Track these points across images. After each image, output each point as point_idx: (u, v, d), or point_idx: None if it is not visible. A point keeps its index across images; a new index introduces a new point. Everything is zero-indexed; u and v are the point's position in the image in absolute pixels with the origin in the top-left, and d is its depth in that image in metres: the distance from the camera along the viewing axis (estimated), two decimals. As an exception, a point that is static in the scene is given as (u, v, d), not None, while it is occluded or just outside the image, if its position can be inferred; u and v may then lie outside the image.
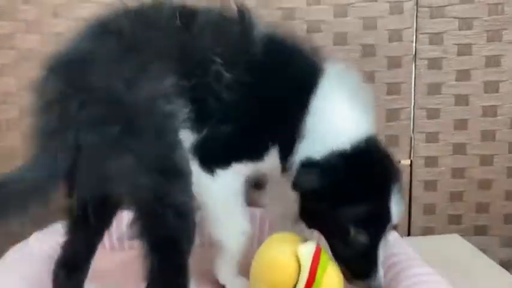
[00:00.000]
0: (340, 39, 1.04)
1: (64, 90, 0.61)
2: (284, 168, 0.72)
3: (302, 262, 0.63)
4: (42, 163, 0.60)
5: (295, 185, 0.67)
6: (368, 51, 1.05)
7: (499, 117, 1.07)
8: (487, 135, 1.07)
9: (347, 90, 0.72)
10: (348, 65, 0.76)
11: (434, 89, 1.06)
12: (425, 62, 1.05)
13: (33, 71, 0.66)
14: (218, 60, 0.68)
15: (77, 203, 0.63)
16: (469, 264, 0.94)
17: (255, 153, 0.73)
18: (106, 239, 0.88)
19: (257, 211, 0.92)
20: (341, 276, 0.68)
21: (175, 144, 0.64)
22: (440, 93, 1.06)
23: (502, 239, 1.10)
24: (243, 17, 0.72)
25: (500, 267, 0.93)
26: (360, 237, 0.66)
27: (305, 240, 0.69)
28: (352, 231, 0.66)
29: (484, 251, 1.01)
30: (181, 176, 0.64)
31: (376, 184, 0.67)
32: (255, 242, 0.79)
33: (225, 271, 0.78)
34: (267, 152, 0.73)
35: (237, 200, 0.75)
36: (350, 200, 0.65)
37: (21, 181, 0.59)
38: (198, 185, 0.67)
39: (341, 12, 1.03)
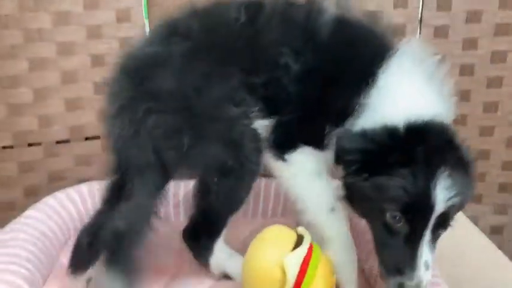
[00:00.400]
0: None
1: (133, 95, 0.70)
2: None
3: (288, 273, 0.64)
4: None
5: (337, 152, 0.66)
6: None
7: (503, 88, 1.05)
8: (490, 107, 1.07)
9: (418, 71, 0.69)
10: (425, 45, 0.72)
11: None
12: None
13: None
14: (286, 51, 0.69)
15: None
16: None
17: (320, 139, 0.71)
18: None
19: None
20: (331, 281, 0.68)
21: (243, 143, 0.71)
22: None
23: (495, 206, 1.13)
24: (311, 2, 0.73)
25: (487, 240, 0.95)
26: (397, 223, 0.61)
27: (300, 235, 0.69)
28: (388, 214, 0.61)
29: (476, 217, 1.04)
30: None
31: (418, 166, 0.60)
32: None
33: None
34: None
35: (316, 180, 0.74)
36: (387, 176, 0.61)
37: None
38: (277, 174, 0.75)
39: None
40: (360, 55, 0.70)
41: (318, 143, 0.72)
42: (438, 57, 0.70)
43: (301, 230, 0.71)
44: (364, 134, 0.63)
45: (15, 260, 0.77)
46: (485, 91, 1.05)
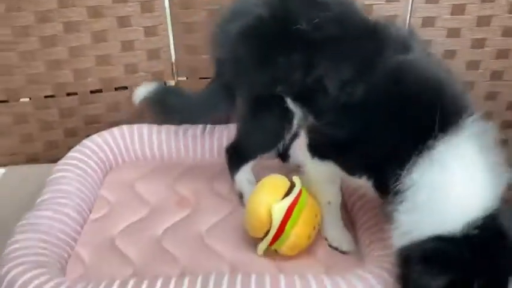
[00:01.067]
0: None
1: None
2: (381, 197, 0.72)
3: (274, 217, 0.80)
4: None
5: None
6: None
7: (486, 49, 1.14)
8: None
9: (478, 156, 0.62)
10: (486, 120, 0.64)
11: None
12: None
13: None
14: (348, 74, 0.70)
15: None
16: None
17: (348, 169, 0.77)
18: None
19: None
20: (312, 230, 0.84)
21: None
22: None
23: None
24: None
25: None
26: None
27: (292, 183, 0.84)
28: None
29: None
30: None
31: (492, 272, 0.58)
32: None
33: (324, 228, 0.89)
34: (358, 175, 0.75)
35: (327, 182, 0.84)
36: None
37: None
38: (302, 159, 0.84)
39: None
40: (424, 113, 0.64)
41: (346, 170, 0.77)
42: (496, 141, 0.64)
43: (295, 178, 0.85)
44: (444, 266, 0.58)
45: (63, 194, 0.95)
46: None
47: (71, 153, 1.08)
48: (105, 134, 1.15)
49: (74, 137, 1.22)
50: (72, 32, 1.12)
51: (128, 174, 1.13)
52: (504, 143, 0.92)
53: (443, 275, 0.57)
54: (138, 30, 1.15)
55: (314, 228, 0.85)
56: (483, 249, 0.59)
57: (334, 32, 0.73)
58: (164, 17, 1.15)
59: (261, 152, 0.95)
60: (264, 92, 0.85)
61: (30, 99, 1.19)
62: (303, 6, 0.77)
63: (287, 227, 0.81)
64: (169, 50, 1.19)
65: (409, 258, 0.61)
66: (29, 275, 0.74)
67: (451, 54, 1.14)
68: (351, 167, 0.77)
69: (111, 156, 1.15)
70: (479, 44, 1.13)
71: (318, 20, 0.73)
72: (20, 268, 0.76)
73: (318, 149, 0.80)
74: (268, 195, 0.84)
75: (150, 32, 1.16)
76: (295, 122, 0.86)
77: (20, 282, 0.73)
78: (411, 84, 0.67)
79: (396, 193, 0.65)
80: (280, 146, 0.93)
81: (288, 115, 0.85)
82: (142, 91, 1.00)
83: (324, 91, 0.73)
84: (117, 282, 0.73)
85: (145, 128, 1.17)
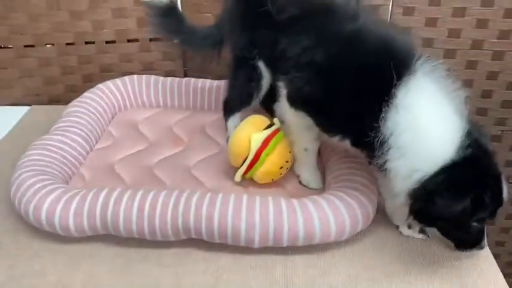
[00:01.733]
0: None
1: None
2: (368, 159, 0.79)
3: (252, 144, 0.93)
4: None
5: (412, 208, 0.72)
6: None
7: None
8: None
9: (436, 88, 0.71)
10: (440, 64, 0.73)
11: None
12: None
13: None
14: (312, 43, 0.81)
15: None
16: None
17: (323, 128, 0.86)
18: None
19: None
20: (285, 162, 0.95)
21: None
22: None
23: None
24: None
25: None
26: (478, 227, 0.72)
27: (272, 123, 0.95)
28: (474, 226, 0.72)
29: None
30: None
31: (492, 183, 0.69)
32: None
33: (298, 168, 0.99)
34: (335, 134, 0.83)
35: (304, 129, 0.91)
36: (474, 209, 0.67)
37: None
38: (281, 108, 0.92)
39: None
40: (380, 68, 0.71)
41: (324, 127, 0.85)
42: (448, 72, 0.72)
43: (274, 119, 0.97)
44: (441, 191, 0.67)
45: (75, 124, 1.10)
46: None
47: (85, 94, 1.22)
48: (117, 81, 1.29)
49: (90, 82, 1.35)
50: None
51: (133, 116, 1.27)
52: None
53: (464, 196, 0.66)
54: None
55: (287, 161, 0.97)
56: (480, 165, 0.69)
57: (294, 12, 0.86)
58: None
59: (240, 105, 1.07)
60: (243, 53, 0.99)
61: (53, 45, 1.34)
62: None
63: (262, 154, 0.93)
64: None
65: (426, 195, 0.68)
66: (35, 179, 0.89)
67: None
68: (325, 126, 0.86)
69: (120, 100, 1.28)
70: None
71: (280, 3, 0.87)
72: (29, 173, 0.90)
73: (294, 101, 0.89)
74: (249, 127, 0.96)
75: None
76: (263, 82, 1.01)
77: (28, 183, 0.87)
78: (363, 44, 0.77)
79: (380, 144, 0.72)
80: (256, 100, 1.05)
81: (258, 76, 0.99)
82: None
83: (286, 58, 0.86)
84: (106, 190, 0.86)
85: (152, 78, 1.30)
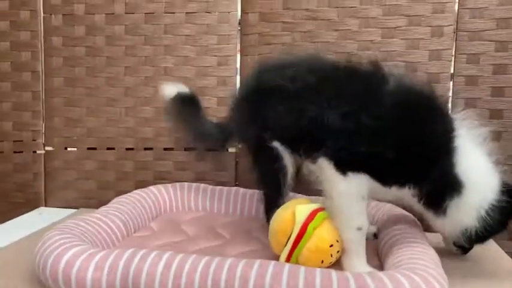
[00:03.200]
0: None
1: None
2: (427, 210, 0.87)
3: (297, 217, 0.84)
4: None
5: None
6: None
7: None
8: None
9: (480, 146, 0.82)
10: (473, 116, 0.83)
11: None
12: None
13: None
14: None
15: None
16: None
17: (383, 180, 0.83)
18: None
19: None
20: (335, 241, 0.83)
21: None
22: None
23: None
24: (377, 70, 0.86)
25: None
26: None
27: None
28: None
29: None
30: None
31: None
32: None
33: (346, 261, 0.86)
34: (393, 186, 0.84)
35: (361, 201, 0.84)
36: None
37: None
38: (328, 183, 0.85)
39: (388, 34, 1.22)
40: (425, 134, 0.80)
41: (383, 182, 0.83)
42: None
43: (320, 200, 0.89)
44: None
45: (116, 210, 1.07)
46: None
47: (135, 191, 1.23)
48: (168, 185, 1.30)
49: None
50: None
51: (178, 217, 1.22)
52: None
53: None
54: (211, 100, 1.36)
55: (337, 241, 0.85)
56: None
57: (311, 80, 0.88)
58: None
59: (272, 194, 1.02)
60: (258, 140, 0.99)
61: (114, 149, 1.41)
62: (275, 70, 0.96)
63: (309, 227, 0.83)
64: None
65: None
66: (62, 236, 0.83)
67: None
68: (387, 177, 0.83)
69: (167, 202, 1.27)
70: None
71: (293, 74, 0.90)
72: (59, 232, 0.85)
73: (351, 163, 0.83)
74: (293, 204, 0.89)
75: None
76: (286, 163, 0.98)
77: (54, 239, 0.82)
78: (415, 99, 0.83)
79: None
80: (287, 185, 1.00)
81: (278, 157, 0.97)
82: (172, 89, 1.19)
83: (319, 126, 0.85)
84: (132, 249, 0.78)
85: (201, 186, 1.32)
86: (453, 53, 1.18)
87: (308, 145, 0.88)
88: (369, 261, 0.86)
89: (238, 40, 1.34)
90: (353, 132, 0.81)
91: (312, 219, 0.84)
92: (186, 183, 1.32)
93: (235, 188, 1.30)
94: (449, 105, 0.88)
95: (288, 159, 0.99)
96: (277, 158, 0.98)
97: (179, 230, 1.13)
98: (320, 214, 0.85)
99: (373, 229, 1.03)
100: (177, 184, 1.31)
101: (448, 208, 0.82)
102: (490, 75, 1.16)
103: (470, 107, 1.17)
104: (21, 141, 1.42)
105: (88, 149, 1.41)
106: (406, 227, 0.95)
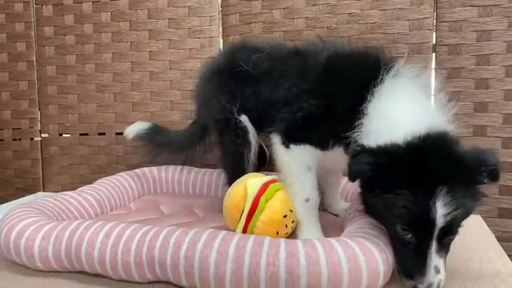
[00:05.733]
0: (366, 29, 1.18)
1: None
2: None
3: (249, 191, 0.82)
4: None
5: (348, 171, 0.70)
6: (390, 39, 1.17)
7: None
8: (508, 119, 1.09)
9: (410, 89, 0.76)
10: (413, 64, 0.79)
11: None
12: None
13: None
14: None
15: None
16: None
17: (320, 143, 0.84)
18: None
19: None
20: (289, 211, 0.83)
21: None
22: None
23: None
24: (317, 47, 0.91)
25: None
26: (405, 235, 0.67)
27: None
28: (398, 227, 0.67)
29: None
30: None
31: (418, 186, 0.65)
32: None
33: (298, 231, 0.86)
34: (329, 145, 0.83)
35: (306, 172, 0.85)
36: (393, 195, 0.66)
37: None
38: (277, 156, 0.87)
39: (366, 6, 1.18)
40: (351, 82, 0.80)
41: (321, 145, 0.84)
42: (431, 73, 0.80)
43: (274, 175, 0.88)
44: (371, 154, 0.68)
45: (93, 190, 1.09)
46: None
47: (121, 173, 1.25)
48: (154, 168, 1.32)
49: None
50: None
51: (158, 198, 1.24)
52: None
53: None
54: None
55: (291, 211, 0.83)
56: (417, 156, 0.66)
57: (268, 64, 0.95)
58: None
59: (234, 169, 1.02)
60: (224, 113, 1.01)
61: (105, 134, 1.45)
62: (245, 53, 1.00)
63: (261, 199, 0.81)
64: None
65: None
66: (22, 211, 0.85)
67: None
68: (323, 142, 0.83)
69: (151, 184, 1.29)
70: None
71: (256, 61, 0.96)
72: (21, 209, 0.87)
73: (292, 135, 0.86)
74: (244, 179, 0.87)
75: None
76: (250, 137, 1.00)
77: (13, 212, 0.84)
78: (340, 62, 0.86)
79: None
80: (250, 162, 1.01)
81: (243, 131, 0.99)
82: (133, 128, 1.22)
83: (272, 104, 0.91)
84: (79, 220, 0.79)
85: (186, 168, 1.33)
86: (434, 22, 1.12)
87: (265, 123, 0.92)
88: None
89: (220, 22, 1.34)
90: (291, 101, 0.85)
91: (264, 191, 0.83)
92: (171, 166, 1.33)
93: (219, 170, 1.29)
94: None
95: (253, 135, 1.00)
96: (242, 131, 0.99)
97: (156, 209, 1.14)
98: (272, 186, 0.84)
99: (346, 206, 1.01)
100: (163, 167, 1.32)
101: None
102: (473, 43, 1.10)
103: (455, 78, 1.11)
104: (20, 128, 1.47)
105: (80, 134, 1.44)
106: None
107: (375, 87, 0.76)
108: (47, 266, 0.76)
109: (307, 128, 0.83)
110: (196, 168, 1.32)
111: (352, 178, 0.70)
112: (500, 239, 1.09)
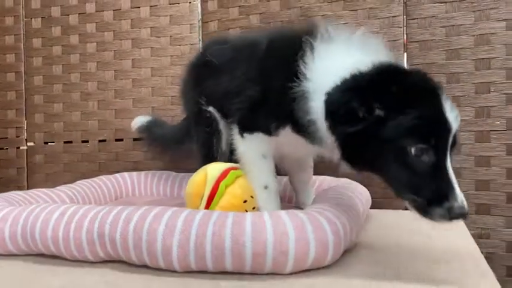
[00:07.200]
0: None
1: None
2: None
3: (209, 176, 0.83)
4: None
5: (330, 121, 0.67)
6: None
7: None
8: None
9: (342, 46, 0.73)
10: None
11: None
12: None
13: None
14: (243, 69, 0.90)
15: None
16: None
17: (268, 129, 0.83)
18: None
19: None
20: (246, 192, 0.82)
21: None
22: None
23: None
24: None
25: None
26: (423, 155, 0.60)
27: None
28: (413, 149, 0.60)
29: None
30: None
31: (423, 99, 0.61)
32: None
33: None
34: (276, 129, 0.82)
35: (261, 160, 0.86)
36: (401, 116, 0.60)
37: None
38: (235, 146, 0.88)
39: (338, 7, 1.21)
40: (283, 56, 0.79)
41: (267, 131, 0.84)
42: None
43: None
44: (347, 85, 0.64)
45: (69, 188, 1.10)
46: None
47: (101, 176, 1.26)
48: (133, 173, 1.34)
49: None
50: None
51: (135, 200, 1.24)
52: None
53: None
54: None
55: (252, 197, 0.83)
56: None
57: (229, 55, 0.97)
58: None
59: (205, 155, 1.04)
60: (197, 105, 1.04)
61: (88, 142, 1.47)
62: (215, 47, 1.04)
63: (221, 185, 0.81)
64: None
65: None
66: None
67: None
68: (270, 127, 0.83)
69: (129, 187, 1.30)
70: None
71: (220, 52, 0.99)
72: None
73: (245, 125, 0.87)
74: (206, 166, 0.88)
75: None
76: (221, 127, 1.02)
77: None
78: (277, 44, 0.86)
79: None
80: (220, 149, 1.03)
81: (213, 121, 1.03)
82: (140, 120, 1.28)
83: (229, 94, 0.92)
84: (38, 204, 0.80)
85: (165, 173, 1.34)
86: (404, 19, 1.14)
87: (227, 114, 0.95)
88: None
89: (201, 30, 1.37)
90: (241, 91, 0.87)
91: (224, 177, 0.83)
92: (150, 171, 1.34)
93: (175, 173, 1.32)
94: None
95: (224, 125, 1.02)
96: (212, 121, 1.02)
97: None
98: (233, 172, 0.84)
99: None
100: (142, 172, 1.34)
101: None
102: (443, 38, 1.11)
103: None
104: (6, 138, 1.50)
105: (65, 142, 1.46)
106: (339, 188, 0.92)
107: (305, 56, 0.73)
108: (4, 248, 0.76)
109: (257, 116, 0.84)
110: (175, 173, 1.32)
111: (332, 114, 0.65)
112: (479, 236, 1.07)
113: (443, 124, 0.60)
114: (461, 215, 0.58)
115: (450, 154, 0.61)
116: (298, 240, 0.63)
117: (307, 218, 0.65)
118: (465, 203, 0.58)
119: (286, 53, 0.78)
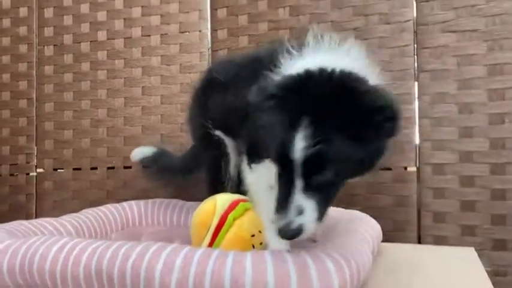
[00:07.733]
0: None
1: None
2: None
3: (217, 207, 0.81)
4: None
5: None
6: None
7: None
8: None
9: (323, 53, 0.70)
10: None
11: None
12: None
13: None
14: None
15: None
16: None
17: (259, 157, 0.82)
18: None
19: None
20: (254, 226, 0.79)
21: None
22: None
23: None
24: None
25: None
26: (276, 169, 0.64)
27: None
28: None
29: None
30: None
31: (285, 114, 0.61)
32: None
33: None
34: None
35: (269, 192, 0.81)
36: (265, 125, 0.64)
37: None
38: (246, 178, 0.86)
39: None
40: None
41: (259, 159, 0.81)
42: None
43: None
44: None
45: (74, 217, 1.09)
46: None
47: (108, 205, 1.25)
48: (141, 201, 1.31)
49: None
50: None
51: (141, 230, 1.22)
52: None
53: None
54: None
55: (260, 231, 0.79)
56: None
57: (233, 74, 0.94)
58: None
59: (213, 181, 1.04)
60: (204, 128, 1.03)
61: (96, 168, 1.46)
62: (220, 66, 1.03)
63: (229, 217, 0.79)
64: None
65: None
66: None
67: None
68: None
69: (136, 216, 1.27)
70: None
71: (225, 69, 0.98)
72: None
73: (252, 154, 0.83)
74: (216, 195, 0.86)
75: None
76: (229, 151, 1.00)
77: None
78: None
79: None
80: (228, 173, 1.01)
81: (221, 143, 1.01)
82: (140, 151, 1.25)
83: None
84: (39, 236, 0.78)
85: (172, 201, 1.31)
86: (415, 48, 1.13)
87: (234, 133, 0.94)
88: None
89: (210, 58, 1.37)
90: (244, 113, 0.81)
91: (233, 209, 0.81)
92: (158, 200, 1.31)
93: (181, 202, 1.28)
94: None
95: (232, 149, 1.00)
96: (220, 144, 1.00)
97: (136, 240, 1.11)
98: (242, 204, 0.82)
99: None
100: (149, 200, 1.31)
101: None
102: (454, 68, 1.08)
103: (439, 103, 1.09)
104: (17, 164, 1.50)
105: (74, 169, 1.46)
106: (349, 222, 0.89)
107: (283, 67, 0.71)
108: (0, 282, 0.75)
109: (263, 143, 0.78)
110: (182, 201, 1.30)
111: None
112: (495, 274, 1.02)
113: (283, 152, 0.60)
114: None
115: (306, 179, 0.60)
116: (301, 283, 0.60)
117: (312, 259, 0.62)
118: (293, 225, 0.59)
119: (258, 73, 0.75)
